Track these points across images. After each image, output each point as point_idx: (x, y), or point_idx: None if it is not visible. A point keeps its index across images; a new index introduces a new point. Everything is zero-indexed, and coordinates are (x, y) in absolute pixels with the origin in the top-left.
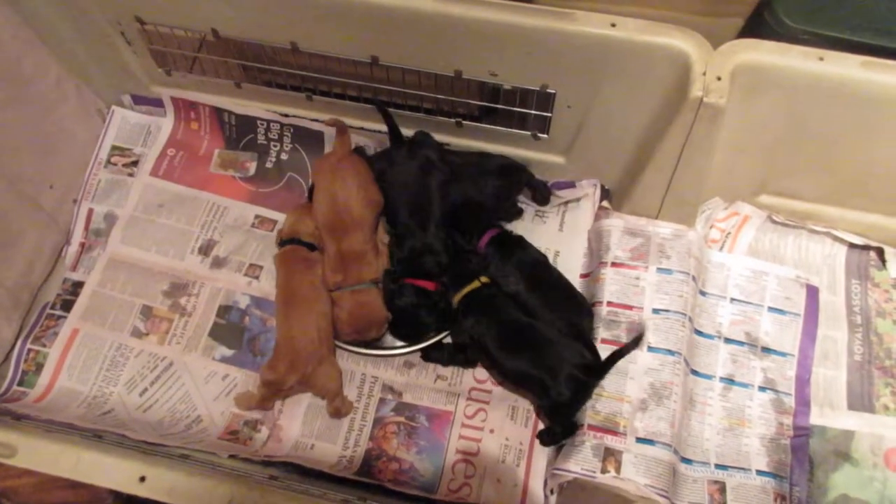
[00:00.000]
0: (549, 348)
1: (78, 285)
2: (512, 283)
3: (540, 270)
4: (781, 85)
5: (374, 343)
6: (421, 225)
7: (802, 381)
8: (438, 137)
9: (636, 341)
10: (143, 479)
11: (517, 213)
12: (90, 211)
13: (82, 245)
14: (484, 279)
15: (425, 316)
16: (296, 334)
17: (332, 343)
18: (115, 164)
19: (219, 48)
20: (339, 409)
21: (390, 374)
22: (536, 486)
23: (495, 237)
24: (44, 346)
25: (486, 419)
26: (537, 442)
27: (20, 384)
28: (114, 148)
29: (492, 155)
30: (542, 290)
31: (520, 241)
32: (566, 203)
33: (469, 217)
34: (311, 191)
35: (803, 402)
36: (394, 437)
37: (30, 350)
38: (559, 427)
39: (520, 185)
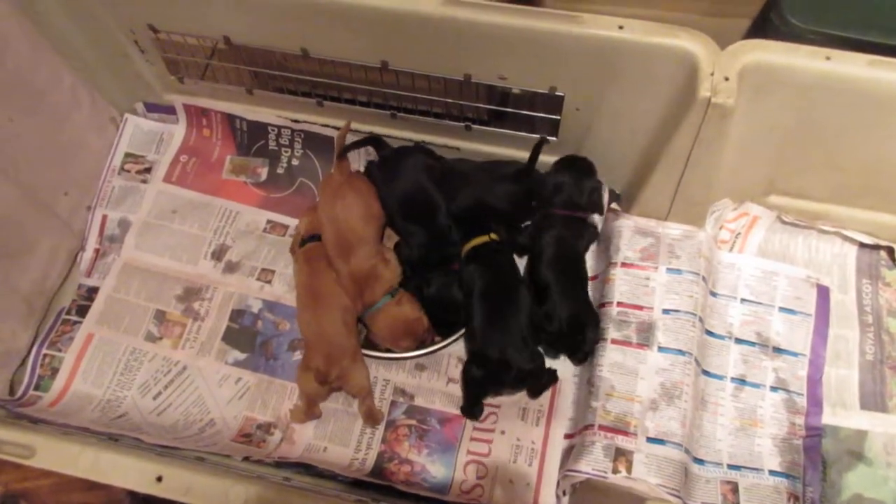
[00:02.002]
0: (507, 330)
1: (93, 291)
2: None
3: (571, 258)
4: (789, 85)
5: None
6: (427, 218)
7: (814, 381)
8: (448, 142)
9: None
10: (159, 479)
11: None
12: (104, 217)
13: (97, 251)
14: (493, 236)
15: (456, 292)
16: (326, 329)
17: (359, 339)
18: (128, 171)
19: (230, 55)
20: (371, 408)
21: (402, 376)
22: (549, 486)
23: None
24: (59, 350)
25: (497, 421)
26: (550, 443)
27: (36, 388)
28: (127, 155)
29: (505, 161)
30: (564, 273)
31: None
32: None
33: (482, 222)
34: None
35: (815, 402)
36: (405, 439)
37: (45, 355)
38: (465, 401)
39: (534, 192)
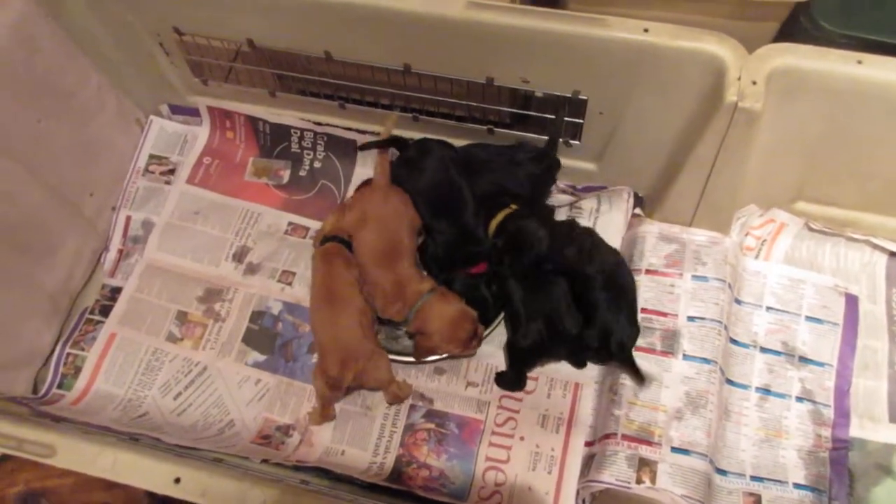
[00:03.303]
0: (549, 298)
1: (116, 291)
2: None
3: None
4: (819, 89)
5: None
6: (455, 214)
7: (842, 392)
8: None
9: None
10: (177, 480)
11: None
12: (128, 218)
13: (120, 251)
14: (514, 206)
15: (484, 290)
16: (341, 332)
17: (375, 335)
18: (152, 172)
19: (254, 58)
20: (396, 394)
21: (421, 380)
22: (569, 494)
23: None
24: (82, 349)
25: (516, 427)
26: (569, 450)
27: (59, 387)
28: (151, 156)
29: (522, 144)
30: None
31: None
32: (598, 210)
33: (502, 207)
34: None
35: (842, 414)
36: (424, 443)
37: (69, 354)
38: (510, 372)
39: (552, 172)
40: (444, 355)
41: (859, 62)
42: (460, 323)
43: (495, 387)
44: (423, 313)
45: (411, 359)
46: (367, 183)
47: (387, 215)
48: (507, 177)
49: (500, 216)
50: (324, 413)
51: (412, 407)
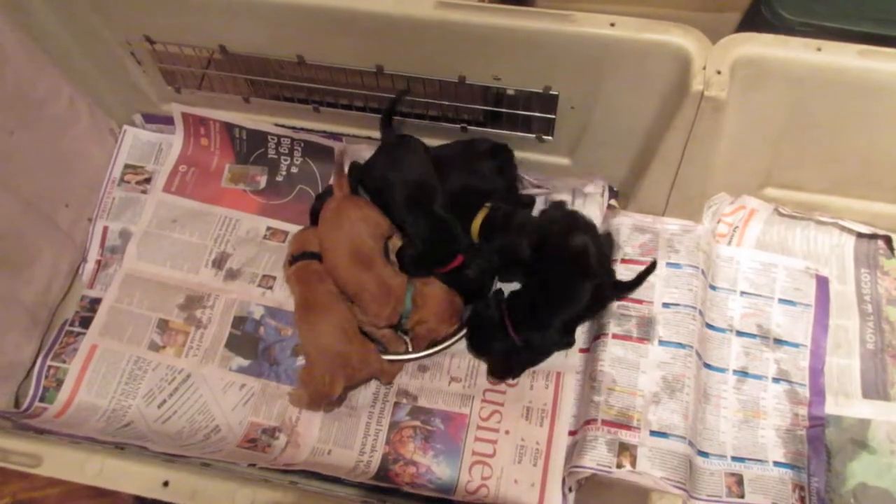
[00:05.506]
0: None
1: (95, 302)
2: None
3: None
4: (781, 77)
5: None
6: (429, 209)
7: (816, 372)
8: (445, 143)
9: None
10: (166, 483)
11: (529, 203)
12: (105, 228)
13: (98, 262)
14: (489, 204)
15: (469, 271)
16: (326, 341)
17: (359, 333)
18: (128, 182)
19: (226, 64)
20: (390, 372)
21: (405, 378)
22: (554, 484)
23: None
24: (63, 362)
25: (501, 420)
26: (554, 442)
27: (41, 400)
28: (126, 166)
29: (476, 140)
30: None
31: None
32: (573, 204)
33: (472, 207)
34: (313, 216)
35: (818, 392)
36: (410, 440)
37: (50, 367)
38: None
39: (511, 164)
40: (444, 344)
41: (819, 49)
42: (451, 299)
43: (479, 381)
44: (417, 301)
45: (402, 357)
46: (326, 193)
47: (345, 225)
48: (470, 174)
49: (480, 217)
50: (311, 407)
51: (396, 405)
